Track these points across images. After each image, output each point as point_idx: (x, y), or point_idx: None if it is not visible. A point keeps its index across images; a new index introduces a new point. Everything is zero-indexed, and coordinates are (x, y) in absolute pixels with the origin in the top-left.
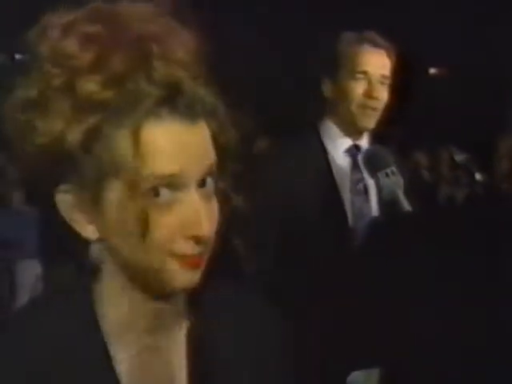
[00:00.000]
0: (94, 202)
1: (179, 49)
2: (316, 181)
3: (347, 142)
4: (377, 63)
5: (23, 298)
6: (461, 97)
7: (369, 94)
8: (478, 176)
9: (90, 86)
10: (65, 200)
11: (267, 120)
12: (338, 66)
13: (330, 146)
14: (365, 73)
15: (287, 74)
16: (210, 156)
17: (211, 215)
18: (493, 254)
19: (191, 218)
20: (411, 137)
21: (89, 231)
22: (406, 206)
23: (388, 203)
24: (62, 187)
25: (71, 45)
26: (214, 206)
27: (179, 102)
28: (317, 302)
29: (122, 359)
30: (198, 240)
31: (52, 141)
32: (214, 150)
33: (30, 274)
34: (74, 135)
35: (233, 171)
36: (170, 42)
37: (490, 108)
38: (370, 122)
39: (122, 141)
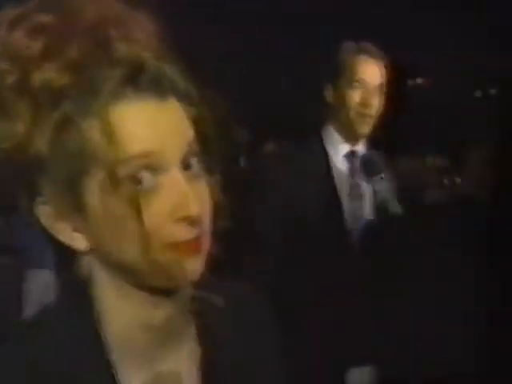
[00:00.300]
0: (75, 209)
1: (139, 31)
2: (317, 184)
3: (346, 148)
4: (372, 72)
5: (34, 306)
6: (442, 106)
7: (365, 102)
8: (457, 180)
9: (46, 74)
10: (45, 212)
11: (274, 125)
12: (339, 74)
13: (331, 152)
14: (361, 81)
15: (289, 75)
16: (186, 133)
17: (200, 196)
18: (477, 252)
19: (178, 199)
20: (398, 143)
21: (77, 241)
22: (397, 208)
23: (381, 206)
24: (39, 199)
25: (18, 37)
26: (203, 187)
27: (142, 80)
28: (316, 301)
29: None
30: (189, 221)
31: (16, 146)
32: (197, 136)
33: (40, 282)
34: (40, 136)
35: (220, 160)
36: (129, 25)
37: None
38: (366, 128)
39: (92, 131)
